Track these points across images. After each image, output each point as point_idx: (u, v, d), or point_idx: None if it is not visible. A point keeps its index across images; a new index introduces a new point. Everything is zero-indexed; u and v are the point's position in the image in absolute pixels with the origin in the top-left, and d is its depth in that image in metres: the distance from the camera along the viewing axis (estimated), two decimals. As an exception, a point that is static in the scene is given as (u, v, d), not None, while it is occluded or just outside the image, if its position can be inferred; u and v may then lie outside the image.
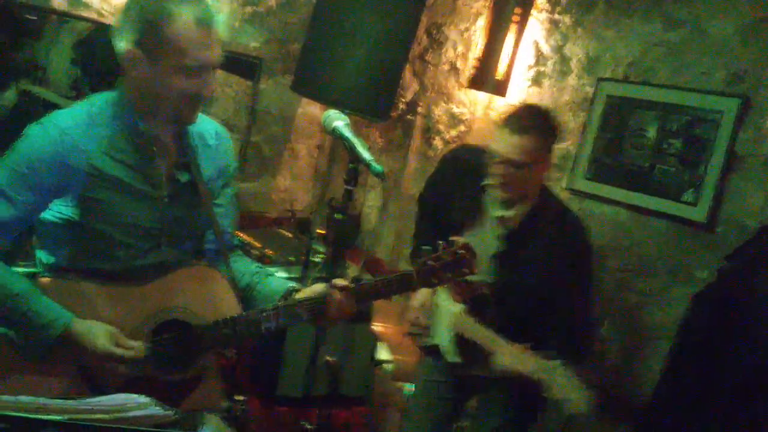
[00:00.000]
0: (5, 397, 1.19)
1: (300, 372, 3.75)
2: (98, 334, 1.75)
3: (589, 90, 3.35)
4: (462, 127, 3.94)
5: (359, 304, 1.93)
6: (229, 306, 1.93)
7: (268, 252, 4.11)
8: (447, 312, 2.56)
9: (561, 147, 3.44)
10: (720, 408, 2.60)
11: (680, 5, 3.09)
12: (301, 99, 4.62)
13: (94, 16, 3.79)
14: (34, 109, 3.61)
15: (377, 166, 1.74)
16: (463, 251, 1.95)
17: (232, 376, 2.43)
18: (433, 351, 2.65)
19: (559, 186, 3.28)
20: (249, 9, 4.24)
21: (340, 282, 1.90)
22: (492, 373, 2.37)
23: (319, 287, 1.91)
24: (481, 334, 2.42)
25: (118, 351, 1.75)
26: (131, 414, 1.23)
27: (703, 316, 2.68)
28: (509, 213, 2.42)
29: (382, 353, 3.73)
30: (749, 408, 2.52)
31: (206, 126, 2.02)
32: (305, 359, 3.58)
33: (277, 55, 4.43)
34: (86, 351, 1.74)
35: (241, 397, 2.70)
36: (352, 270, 4.44)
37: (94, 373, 1.78)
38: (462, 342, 2.51)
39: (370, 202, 4.46)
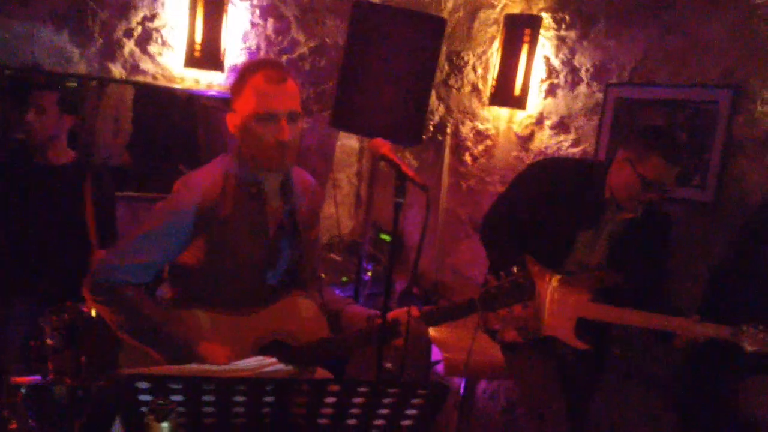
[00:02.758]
0: (178, 366, 1.59)
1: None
2: (217, 354, 2.05)
3: (599, 96, 3.70)
4: (488, 142, 4.30)
5: (429, 326, 2.25)
6: (321, 330, 2.27)
7: (322, 275, 4.48)
8: (568, 305, 2.83)
9: (579, 149, 3.80)
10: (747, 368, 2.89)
11: (673, 11, 3.43)
12: (339, 133, 5.03)
13: (149, 80, 4.27)
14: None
15: (421, 183, 2.02)
16: (522, 280, 2.21)
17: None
18: (540, 343, 2.91)
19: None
20: (284, 58, 4.68)
21: (413, 309, 2.21)
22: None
23: (395, 313, 2.19)
24: (637, 315, 2.74)
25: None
26: (266, 370, 1.63)
27: (719, 287, 2.99)
28: (634, 214, 2.81)
29: (434, 353, 4.06)
30: None
31: (304, 177, 2.40)
32: (367, 369, 3.93)
33: (313, 96, 4.87)
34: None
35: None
36: (399, 284, 4.81)
37: None
38: (582, 328, 2.81)
39: (410, 218, 4.83)
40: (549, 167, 3.07)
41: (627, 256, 2.85)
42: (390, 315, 2.18)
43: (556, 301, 2.84)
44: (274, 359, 1.76)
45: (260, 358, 1.78)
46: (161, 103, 4.46)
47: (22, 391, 2.69)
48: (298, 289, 2.35)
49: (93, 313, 2.96)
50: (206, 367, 1.63)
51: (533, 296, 2.25)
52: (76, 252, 3.42)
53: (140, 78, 4.23)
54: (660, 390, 3.34)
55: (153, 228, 2.13)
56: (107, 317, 2.13)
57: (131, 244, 2.13)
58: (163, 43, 4.27)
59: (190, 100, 4.51)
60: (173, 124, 4.58)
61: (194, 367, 1.64)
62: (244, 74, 2.14)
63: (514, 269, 2.25)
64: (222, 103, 4.59)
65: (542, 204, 2.89)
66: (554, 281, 2.84)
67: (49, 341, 2.90)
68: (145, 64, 4.24)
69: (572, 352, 2.91)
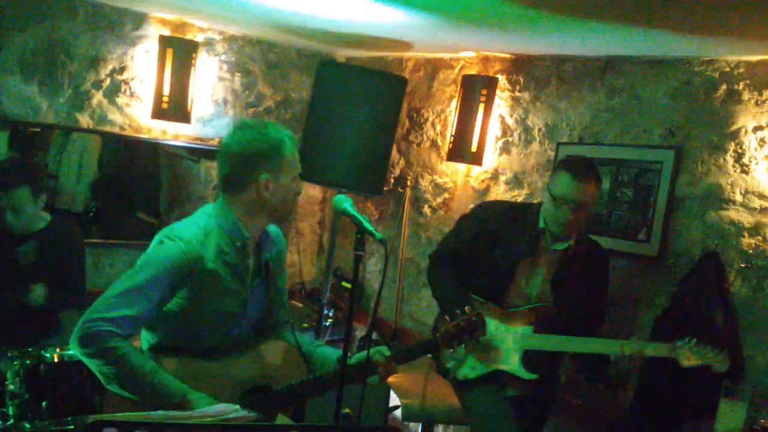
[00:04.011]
0: (144, 413, 1.68)
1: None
2: (205, 404, 2.10)
3: (551, 153, 3.89)
4: (446, 195, 4.46)
5: (397, 364, 2.43)
6: (299, 371, 2.40)
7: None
8: (510, 336, 3.00)
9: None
10: (687, 413, 3.04)
11: (618, 76, 3.65)
12: (302, 183, 5.14)
13: (117, 130, 4.36)
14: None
15: (379, 234, 2.17)
16: (475, 318, 2.48)
17: None
18: (488, 378, 3.04)
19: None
20: (251, 111, 4.84)
21: (382, 348, 2.40)
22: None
23: (364, 353, 2.35)
24: (579, 343, 2.91)
25: None
26: (230, 416, 1.73)
27: (662, 336, 3.14)
28: (566, 245, 2.99)
29: (393, 399, 4.14)
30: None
31: (271, 227, 2.50)
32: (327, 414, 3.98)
33: (278, 147, 4.99)
34: None
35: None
36: (359, 331, 4.90)
37: None
38: (530, 359, 2.96)
39: (371, 267, 4.95)
40: (489, 206, 3.32)
41: (568, 290, 3.01)
42: (359, 356, 2.37)
43: (501, 335, 3.01)
44: (237, 406, 1.86)
45: (224, 405, 1.87)
46: (127, 152, 4.55)
47: (-21, 437, 2.73)
48: (272, 333, 2.49)
49: (55, 359, 3.00)
50: (171, 413, 1.71)
51: (485, 332, 2.56)
52: (43, 302, 3.47)
53: (108, 128, 4.32)
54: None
55: (137, 282, 2.17)
56: (96, 369, 2.14)
57: (117, 297, 2.15)
58: (132, 95, 4.38)
59: (155, 149, 4.60)
60: (138, 173, 4.66)
61: (160, 413, 1.72)
62: (277, 142, 2.26)
63: (467, 308, 2.55)
64: (188, 152, 4.70)
65: (483, 240, 3.08)
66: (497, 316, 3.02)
67: (10, 386, 2.93)
68: (113, 115, 4.34)
69: (522, 392, 3.04)
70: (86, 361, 2.14)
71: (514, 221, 3.07)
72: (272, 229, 2.48)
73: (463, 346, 2.65)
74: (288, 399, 2.34)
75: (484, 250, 3.06)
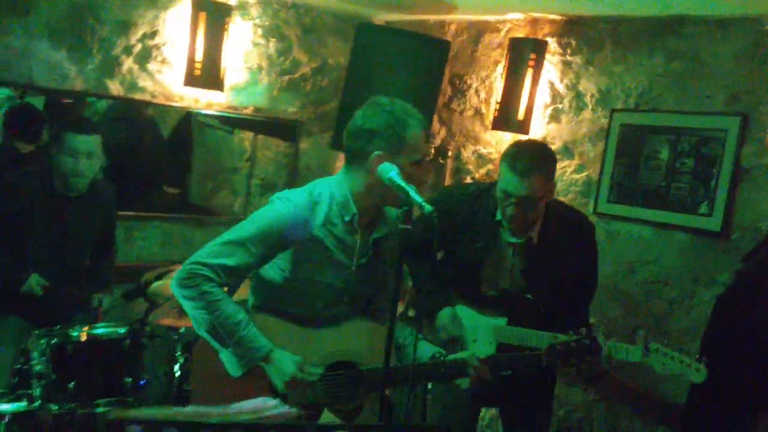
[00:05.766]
0: (175, 409, 1.54)
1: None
2: (288, 362, 2.20)
3: (604, 121, 3.67)
4: (490, 166, 4.26)
5: (493, 374, 2.33)
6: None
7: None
8: (485, 327, 2.80)
9: (583, 175, 3.76)
10: (750, 401, 2.83)
11: (679, 38, 3.42)
12: (338, 153, 4.99)
13: (147, 98, 4.23)
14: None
15: (428, 206, 2.00)
16: (588, 340, 2.32)
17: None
18: None
19: (587, 210, 3.54)
20: (286, 78, 4.66)
21: (480, 355, 2.34)
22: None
23: (461, 355, 2.33)
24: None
25: (300, 375, 2.19)
26: (268, 413, 1.57)
27: (726, 316, 2.93)
28: (525, 238, 2.71)
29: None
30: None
31: (391, 210, 2.40)
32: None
33: (314, 117, 4.83)
34: (276, 373, 2.19)
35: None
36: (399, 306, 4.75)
37: (280, 392, 2.18)
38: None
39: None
40: (448, 196, 3.00)
41: (541, 278, 2.74)
42: (457, 356, 2.34)
43: (476, 328, 2.82)
44: (276, 401, 1.73)
45: (263, 399, 1.78)
46: (158, 121, 4.44)
47: (6, 418, 2.64)
48: (371, 315, 2.42)
49: (83, 337, 2.89)
50: (203, 410, 1.58)
51: (596, 354, 2.33)
52: (75, 275, 3.40)
53: (138, 96, 4.19)
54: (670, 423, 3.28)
55: (242, 234, 2.23)
56: (190, 313, 2.22)
57: (221, 246, 2.22)
58: (163, 61, 4.23)
59: (187, 118, 4.47)
60: (169, 142, 4.54)
61: (189, 410, 1.58)
62: (398, 121, 2.20)
63: (582, 330, 2.36)
64: (221, 122, 4.56)
65: (446, 233, 2.79)
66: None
67: (36, 366, 2.81)
68: (144, 82, 4.20)
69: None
70: (182, 302, 2.22)
71: (472, 212, 2.83)
72: (391, 211, 2.38)
73: (575, 370, 2.42)
74: (374, 382, 2.23)
75: (449, 242, 2.84)
